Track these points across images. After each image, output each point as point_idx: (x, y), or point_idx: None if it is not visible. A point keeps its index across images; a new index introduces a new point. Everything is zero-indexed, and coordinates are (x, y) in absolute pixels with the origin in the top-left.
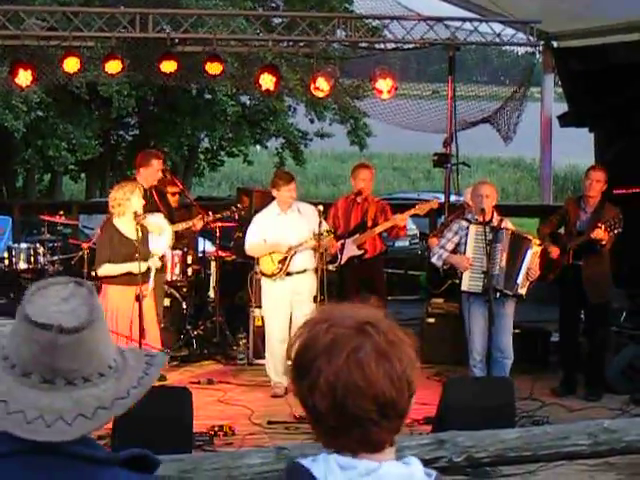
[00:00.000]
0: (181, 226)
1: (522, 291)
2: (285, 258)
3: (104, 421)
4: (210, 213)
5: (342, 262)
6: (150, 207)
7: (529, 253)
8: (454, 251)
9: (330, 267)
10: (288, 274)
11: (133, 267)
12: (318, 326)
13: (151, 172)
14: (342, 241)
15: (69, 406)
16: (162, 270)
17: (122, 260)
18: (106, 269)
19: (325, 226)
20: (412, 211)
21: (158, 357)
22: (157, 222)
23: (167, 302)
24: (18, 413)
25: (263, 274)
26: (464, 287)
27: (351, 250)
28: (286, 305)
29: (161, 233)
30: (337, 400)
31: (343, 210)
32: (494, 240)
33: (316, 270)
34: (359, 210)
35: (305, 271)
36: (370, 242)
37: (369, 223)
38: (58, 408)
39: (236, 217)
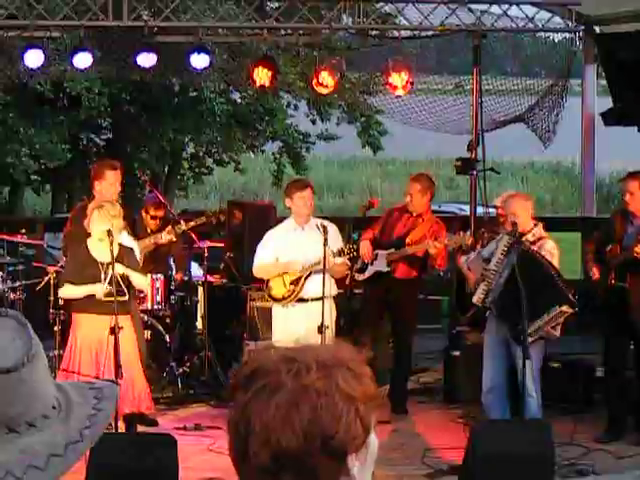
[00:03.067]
0: (147, 241)
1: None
2: (299, 279)
3: (59, 471)
4: (182, 222)
5: (367, 275)
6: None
7: (559, 310)
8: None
9: (358, 277)
10: (301, 300)
11: (92, 289)
12: (268, 352)
13: (106, 186)
14: (376, 252)
15: (15, 457)
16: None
17: (86, 283)
18: (65, 291)
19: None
20: (444, 242)
21: (107, 389)
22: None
23: (147, 335)
24: None
25: (272, 298)
26: (474, 299)
27: (379, 264)
28: (301, 335)
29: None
30: (239, 438)
31: (392, 219)
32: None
33: (335, 297)
34: (406, 224)
35: (320, 299)
36: (405, 263)
37: (409, 241)
38: (3, 461)
39: (213, 223)
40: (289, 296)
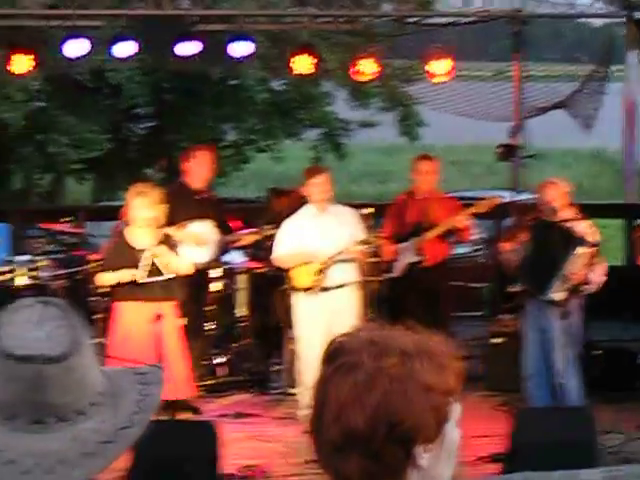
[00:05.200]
0: (229, 238)
1: (555, 296)
2: (322, 269)
3: (111, 457)
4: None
5: (399, 272)
6: (198, 212)
7: (574, 254)
8: None
9: (386, 276)
10: (324, 289)
11: (128, 274)
12: (357, 332)
13: (193, 166)
14: (398, 246)
15: (68, 446)
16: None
17: (122, 269)
18: (102, 278)
19: (362, 234)
20: (471, 210)
21: (151, 373)
22: (200, 232)
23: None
24: (10, 464)
25: (294, 288)
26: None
27: (407, 257)
28: (323, 327)
29: (200, 244)
30: (316, 411)
31: (400, 209)
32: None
33: (360, 284)
34: (417, 209)
35: (344, 286)
36: (431, 246)
37: (427, 224)
38: (55, 450)
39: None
40: (314, 286)
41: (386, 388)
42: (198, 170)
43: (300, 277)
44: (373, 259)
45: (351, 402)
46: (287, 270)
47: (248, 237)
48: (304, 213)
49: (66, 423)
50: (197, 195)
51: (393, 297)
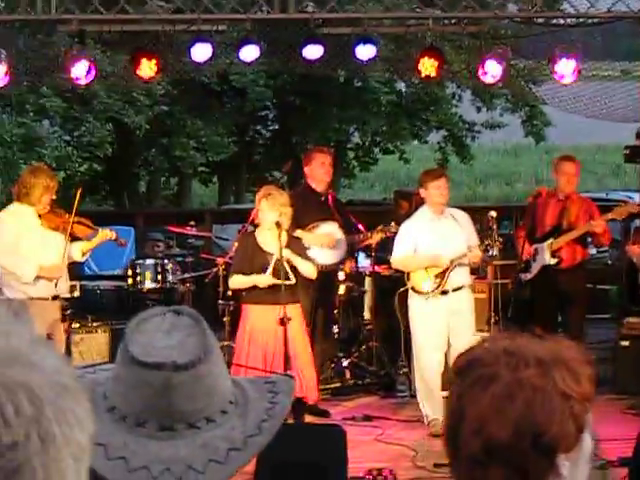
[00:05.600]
0: (356, 239)
1: None
2: (444, 272)
3: (239, 465)
4: (393, 224)
5: (534, 273)
6: (323, 214)
7: None
8: None
9: (525, 277)
10: (444, 292)
11: (262, 279)
12: (488, 343)
13: (314, 168)
14: (535, 247)
15: (197, 452)
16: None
17: (253, 273)
18: (234, 281)
19: (475, 239)
20: (609, 215)
21: (282, 382)
22: (329, 233)
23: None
24: (141, 470)
25: (415, 291)
26: None
27: (543, 258)
28: (442, 328)
29: (329, 245)
30: (452, 426)
31: (539, 209)
32: None
33: (486, 286)
34: (557, 210)
35: (462, 288)
36: (567, 249)
37: (565, 226)
38: (184, 456)
39: None
40: (434, 289)
41: (528, 399)
42: (318, 173)
43: (421, 280)
44: (503, 261)
45: (492, 415)
46: (407, 273)
47: (375, 236)
48: (421, 216)
49: (195, 430)
50: (321, 197)
51: (526, 299)
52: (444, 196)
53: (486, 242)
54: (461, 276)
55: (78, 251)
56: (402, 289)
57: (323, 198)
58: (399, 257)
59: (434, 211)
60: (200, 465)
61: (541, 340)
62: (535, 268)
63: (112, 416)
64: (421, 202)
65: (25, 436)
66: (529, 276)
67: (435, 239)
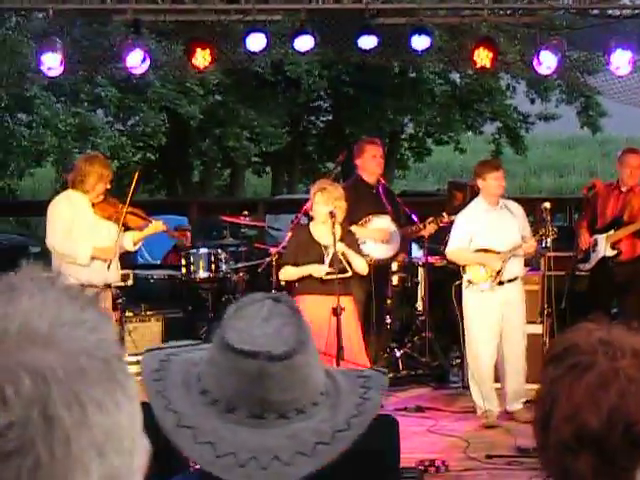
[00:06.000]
0: (409, 231)
1: None
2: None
3: (325, 459)
4: (444, 214)
5: (593, 264)
6: (375, 207)
7: None
8: None
9: (583, 268)
10: (500, 283)
11: (318, 269)
12: (584, 332)
13: (366, 160)
14: (594, 238)
15: (284, 443)
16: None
17: (305, 264)
18: (286, 272)
19: (528, 230)
20: None
21: (375, 377)
22: (382, 227)
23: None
24: (228, 456)
25: (471, 282)
26: None
27: (602, 250)
28: (498, 320)
29: (383, 240)
30: (544, 411)
31: (602, 200)
32: None
33: (540, 278)
34: (619, 202)
35: (516, 279)
36: (627, 241)
37: (627, 218)
38: (272, 446)
39: None
40: (491, 282)
41: (623, 389)
42: (370, 165)
43: (477, 271)
44: (556, 253)
45: (586, 402)
46: (462, 265)
47: (428, 227)
48: (476, 207)
49: (285, 420)
50: (372, 189)
51: (579, 290)
52: (502, 187)
53: (540, 233)
54: (515, 267)
55: (129, 240)
56: (458, 282)
57: (375, 190)
58: (454, 249)
59: (489, 202)
60: (287, 456)
61: (636, 332)
62: (594, 259)
63: (204, 399)
64: (475, 193)
65: (24, 417)
66: (588, 267)
67: (490, 230)
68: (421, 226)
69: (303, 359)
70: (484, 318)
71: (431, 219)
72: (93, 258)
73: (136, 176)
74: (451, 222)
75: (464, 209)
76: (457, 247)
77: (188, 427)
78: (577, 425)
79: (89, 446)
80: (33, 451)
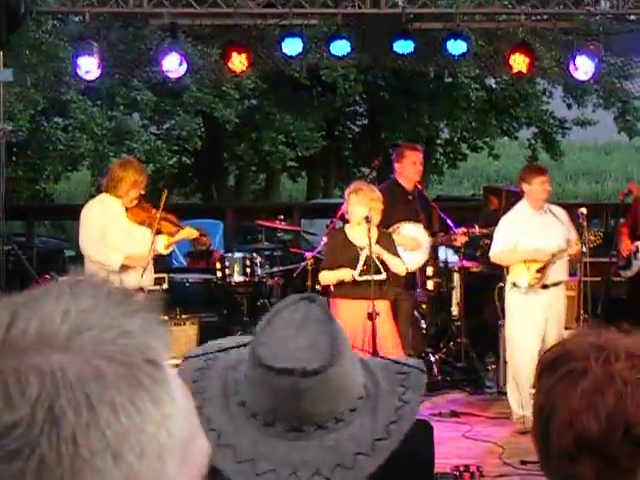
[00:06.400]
0: (440, 241)
1: None
2: (545, 267)
3: (367, 471)
4: (476, 227)
5: (634, 271)
6: (408, 214)
7: None
8: None
9: (622, 274)
10: (544, 287)
11: (346, 274)
12: (577, 338)
13: (406, 166)
14: (636, 244)
15: (324, 456)
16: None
17: (340, 267)
18: (323, 277)
19: (574, 234)
20: None
21: (413, 375)
22: (413, 236)
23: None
24: (269, 473)
25: (515, 285)
26: None
27: None
28: (540, 324)
29: (413, 248)
30: (542, 421)
31: None
32: None
33: (577, 283)
34: None
35: (559, 283)
36: None
37: None
38: (312, 460)
39: None
40: (535, 284)
41: (619, 392)
42: (409, 172)
43: (521, 274)
44: (593, 259)
45: (584, 409)
46: (506, 268)
47: (459, 238)
48: (521, 211)
49: (324, 431)
50: (408, 195)
51: (614, 297)
52: (547, 192)
53: (585, 238)
54: (560, 271)
55: (162, 244)
56: (501, 284)
57: (411, 196)
58: (499, 251)
59: (534, 206)
60: (327, 470)
61: (629, 334)
62: (636, 266)
63: (243, 411)
64: (511, 198)
65: (29, 417)
66: (629, 274)
67: (535, 234)
68: (452, 238)
69: (338, 370)
70: (528, 322)
71: (462, 230)
72: (124, 266)
73: (166, 192)
74: (482, 234)
75: (508, 213)
76: (501, 249)
77: (227, 445)
78: (577, 432)
79: (102, 448)
80: (38, 451)
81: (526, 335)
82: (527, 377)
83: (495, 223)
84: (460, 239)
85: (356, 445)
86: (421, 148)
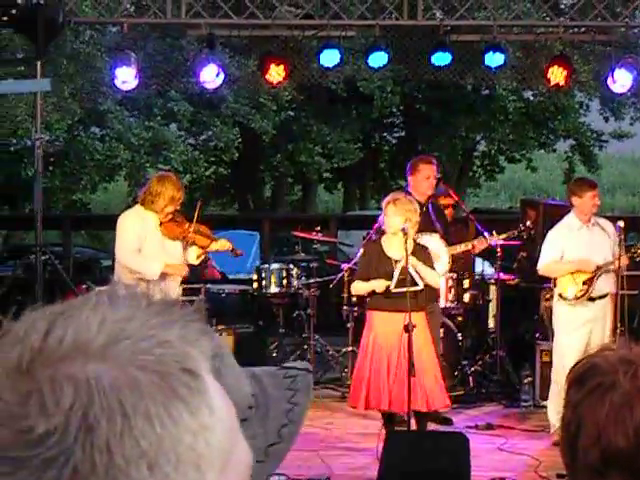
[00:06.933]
0: (459, 248)
1: None
2: (591, 279)
3: (262, 476)
4: (494, 233)
5: None
6: (424, 225)
7: None
8: None
9: None
10: (590, 299)
11: (376, 285)
12: (605, 352)
13: (419, 180)
14: None
15: None
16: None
17: (375, 279)
18: (355, 287)
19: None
20: None
21: (300, 377)
22: (430, 245)
23: (440, 333)
24: None
25: (562, 297)
26: None
27: None
28: (584, 336)
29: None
30: (569, 436)
31: None
32: None
33: (615, 295)
34: None
35: (606, 296)
36: None
37: None
38: None
39: (524, 237)
40: (582, 296)
41: None
42: (422, 186)
43: (567, 285)
44: (629, 272)
45: (611, 423)
46: (553, 280)
47: (478, 245)
48: (569, 224)
49: None
50: (422, 207)
51: None
52: (596, 206)
53: (632, 251)
54: (606, 284)
55: (193, 255)
56: (548, 295)
57: (424, 208)
58: (546, 263)
59: (582, 219)
60: None
61: None
62: None
63: None
64: (549, 211)
65: (63, 425)
66: None
67: (582, 247)
68: (470, 246)
69: (222, 381)
70: (574, 334)
71: (481, 238)
72: (163, 275)
73: (198, 209)
74: (499, 241)
75: (556, 225)
76: (549, 261)
77: None
78: (604, 447)
79: (137, 458)
80: (72, 460)
81: (572, 347)
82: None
83: (532, 235)
84: (478, 246)
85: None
86: (435, 161)
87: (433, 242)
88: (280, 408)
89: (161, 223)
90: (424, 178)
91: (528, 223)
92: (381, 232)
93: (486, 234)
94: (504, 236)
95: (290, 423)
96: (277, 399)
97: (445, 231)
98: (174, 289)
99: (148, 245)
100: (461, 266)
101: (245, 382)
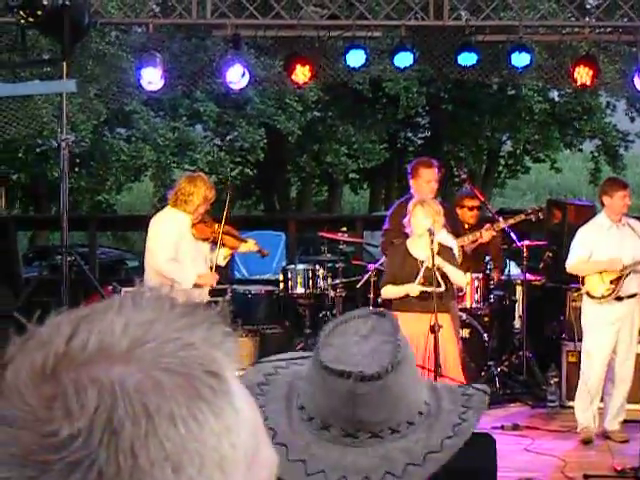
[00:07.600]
0: (467, 239)
1: None
2: (619, 278)
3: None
4: (501, 219)
5: None
6: None
7: None
8: None
9: None
10: (618, 298)
11: (411, 289)
12: None
13: (421, 184)
14: None
15: (375, 463)
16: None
17: (403, 282)
18: (386, 291)
19: None
20: None
21: (476, 397)
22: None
23: (466, 333)
24: (318, 474)
25: (590, 296)
26: None
27: None
28: (612, 335)
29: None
30: None
31: None
32: None
33: None
34: None
35: (635, 295)
36: None
37: None
38: (363, 466)
39: (533, 220)
40: (609, 295)
41: None
42: (424, 190)
43: (595, 284)
44: None
45: None
46: (582, 278)
47: (485, 234)
48: (598, 223)
49: (378, 439)
50: None
51: None
52: (627, 206)
53: None
54: (635, 283)
55: (221, 256)
56: (576, 294)
57: None
58: (575, 262)
59: (613, 219)
60: (376, 477)
61: None
62: None
63: (301, 414)
64: (575, 211)
65: (87, 428)
66: None
67: (611, 247)
68: (478, 234)
69: (396, 379)
70: (602, 333)
71: (488, 225)
72: (195, 285)
73: (227, 207)
74: (508, 225)
75: (586, 224)
76: (577, 260)
77: (281, 444)
78: None
79: (161, 460)
80: (97, 463)
81: (599, 347)
82: (596, 388)
83: (558, 235)
84: (486, 235)
85: (408, 456)
86: (436, 164)
87: (440, 236)
88: (450, 421)
89: (192, 225)
90: (425, 182)
91: (535, 207)
92: (405, 235)
93: (501, 219)
94: (512, 221)
95: (455, 436)
96: (449, 412)
97: (452, 224)
98: (204, 295)
99: (183, 249)
100: (493, 264)
101: (422, 389)
